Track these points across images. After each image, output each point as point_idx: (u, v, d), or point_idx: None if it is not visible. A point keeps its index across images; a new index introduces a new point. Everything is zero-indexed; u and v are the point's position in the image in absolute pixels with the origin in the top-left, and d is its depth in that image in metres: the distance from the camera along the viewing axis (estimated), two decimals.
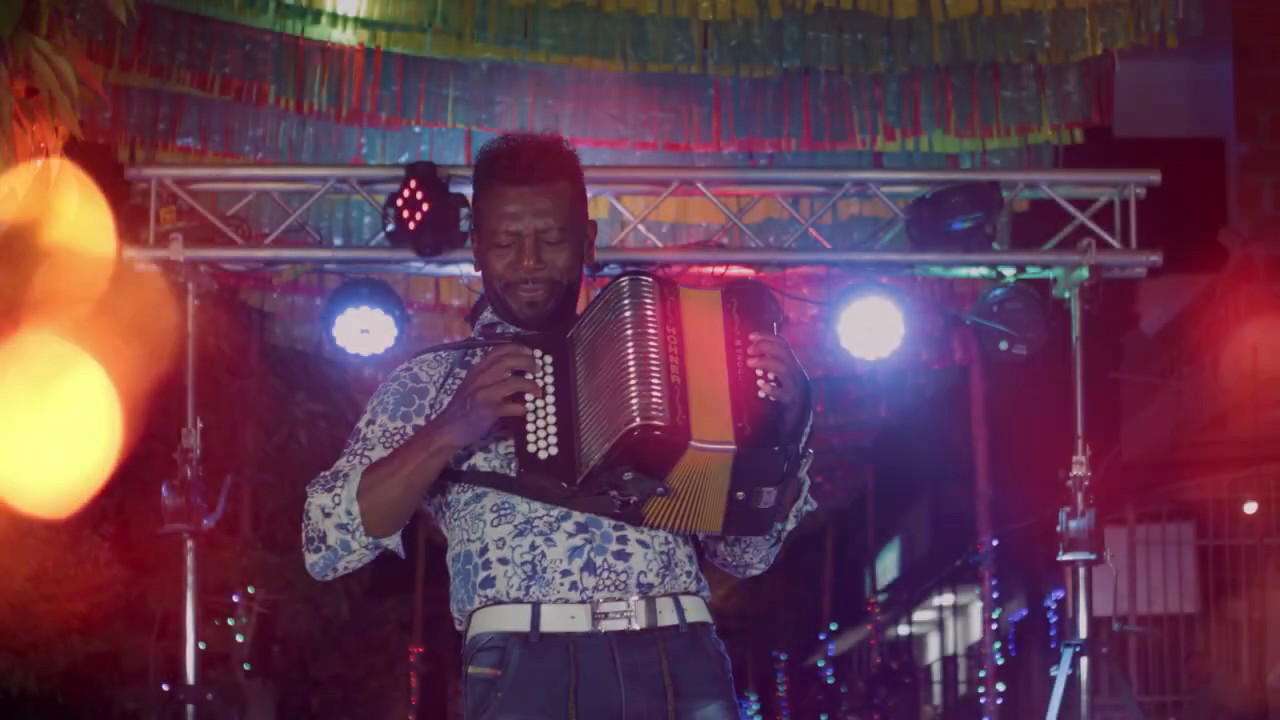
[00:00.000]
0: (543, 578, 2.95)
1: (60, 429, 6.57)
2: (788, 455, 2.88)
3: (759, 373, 2.87)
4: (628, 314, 2.87)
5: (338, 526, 2.96)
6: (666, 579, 3.00)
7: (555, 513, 2.96)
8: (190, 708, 6.67)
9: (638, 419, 2.79)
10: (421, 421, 3.02)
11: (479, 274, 3.12)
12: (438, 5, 6.94)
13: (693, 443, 2.81)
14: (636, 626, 2.97)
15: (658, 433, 2.79)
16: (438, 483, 3.01)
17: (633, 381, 2.81)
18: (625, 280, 2.91)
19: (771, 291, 3.02)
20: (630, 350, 2.84)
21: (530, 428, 2.90)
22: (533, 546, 2.96)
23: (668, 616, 3.00)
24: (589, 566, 2.95)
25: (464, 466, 3.00)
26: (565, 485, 2.90)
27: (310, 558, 3.01)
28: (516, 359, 2.90)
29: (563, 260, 3.03)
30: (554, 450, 2.89)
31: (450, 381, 3.05)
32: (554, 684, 2.95)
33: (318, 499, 2.97)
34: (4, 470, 6.72)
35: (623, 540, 2.97)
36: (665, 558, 3.00)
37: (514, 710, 2.95)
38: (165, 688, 7.01)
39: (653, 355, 2.84)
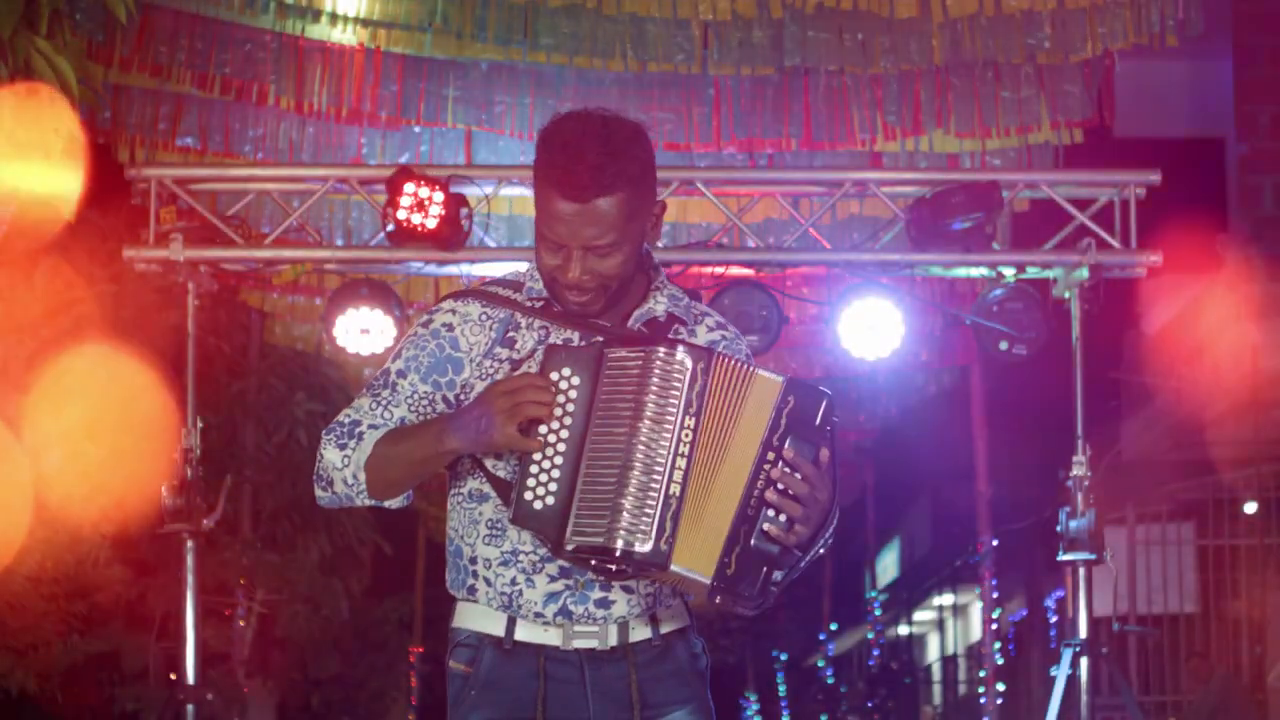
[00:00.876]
0: (519, 611, 2.98)
1: (120, 440, 6.59)
2: (766, 596, 2.87)
3: (774, 504, 2.84)
4: (654, 390, 2.84)
5: (344, 483, 2.99)
6: (647, 612, 3.02)
7: (542, 551, 2.96)
8: (190, 708, 6.67)
9: (620, 545, 2.80)
10: (451, 396, 3.01)
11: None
12: (438, 5, 6.95)
13: (672, 567, 2.82)
14: (607, 645, 2.99)
15: (637, 558, 2.81)
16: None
17: (632, 488, 2.81)
18: (661, 351, 2.86)
19: (831, 401, 2.89)
20: (641, 440, 2.82)
21: (534, 469, 2.87)
22: (513, 581, 2.97)
23: (640, 632, 3.02)
24: (564, 612, 2.97)
25: (478, 454, 3.00)
26: (549, 546, 2.90)
27: (319, 493, 3.04)
28: (541, 392, 2.86)
29: (612, 267, 2.94)
30: (549, 500, 2.87)
31: (488, 362, 3.01)
32: (523, 690, 2.99)
33: (330, 454, 2.98)
34: (64, 482, 6.72)
35: (606, 588, 2.98)
36: (650, 599, 3.02)
37: (484, 710, 2.99)
38: (165, 688, 7.00)
39: (660, 457, 2.82)
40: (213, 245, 6.97)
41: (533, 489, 2.87)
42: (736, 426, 2.85)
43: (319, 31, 7.19)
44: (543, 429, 2.87)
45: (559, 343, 2.97)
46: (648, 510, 2.81)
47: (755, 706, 29.88)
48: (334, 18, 7.14)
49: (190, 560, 6.73)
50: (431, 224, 6.74)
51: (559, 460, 2.87)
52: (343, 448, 2.97)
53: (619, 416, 2.85)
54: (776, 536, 2.84)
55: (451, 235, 6.84)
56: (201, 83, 7.12)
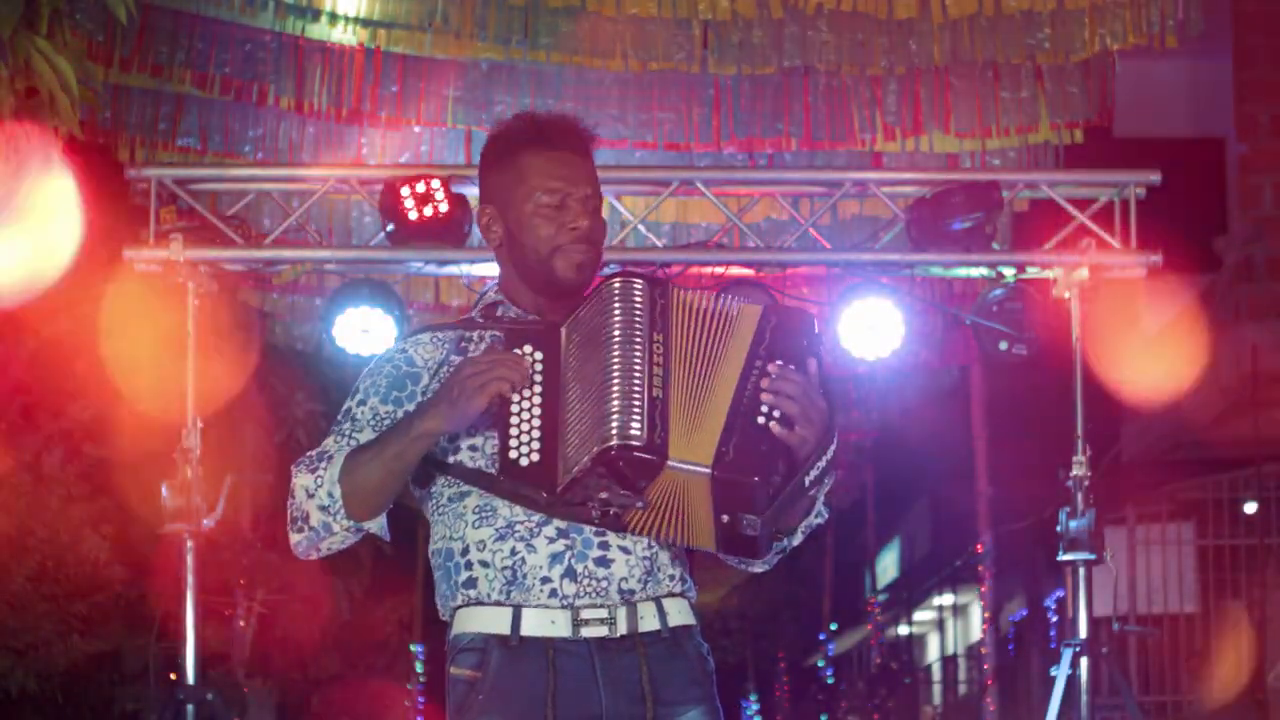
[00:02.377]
0: (523, 583, 2.95)
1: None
2: (773, 489, 2.84)
3: (767, 401, 2.84)
4: (616, 318, 2.86)
5: (320, 508, 2.96)
6: (649, 584, 3.00)
7: (536, 517, 2.95)
8: (190, 708, 6.67)
9: (615, 439, 2.78)
10: (411, 408, 3.01)
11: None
12: (438, 5, 6.95)
13: (669, 462, 2.80)
14: (617, 633, 2.97)
15: (635, 452, 2.79)
16: (425, 473, 3.00)
17: (615, 395, 2.80)
18: (616, 282, 2.90)
19: (814, 320, 2.97)
20: (615, 359, 2.83)
21: (513, 430, 2.89)
22: (513, 552, 2.96)
23: (649, 622, 3.00)
24: (569, 573, 2.95)
25: (450, 459, 3.00)
26: (544, 495, 2.89)
27: (294, 537, 3.02)
28: (509, 356, 2.89)
29: (601, 227, 3.06)
30: (535, 456, 2.88)
31: (445, 369, 3.03)
32: (533, 688, 2.95)
33: (301, 479, 2.98)
34: None
35: (604, 546, 2.96)
36: (648, 562, 2.99)
37: (494, 713, 2.96)
38: (165, 688, 7.00)
39: (636, 367, 2.82)
40: (213, 245, 6.97)
41: (515, 448, 2.88)
42: (717, 347, 2.88)
43: (319, 31, 7.18)
44: (514, 395, 2.88)
45: (513, 329, 3.00)
46: (635, 408, 2.79)
47: (755, 706, 29.87)
48: (334, 18, 7.14)
49: (190, 560, 6.72)
50: (441, 210, 6.73)
51: (536, 418, 2.89)
52: (313, 471, 2.97)
53: (588, 353, 2.88)
54: (778, 434, 2.83)
55: (452, 235, 6.84)
56: (201, 83, 7.12)
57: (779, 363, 2.86)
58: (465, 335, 3.07)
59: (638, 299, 2.87)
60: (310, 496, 2.96)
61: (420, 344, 3.09)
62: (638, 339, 2.84)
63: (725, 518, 2.84)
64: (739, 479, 2.80)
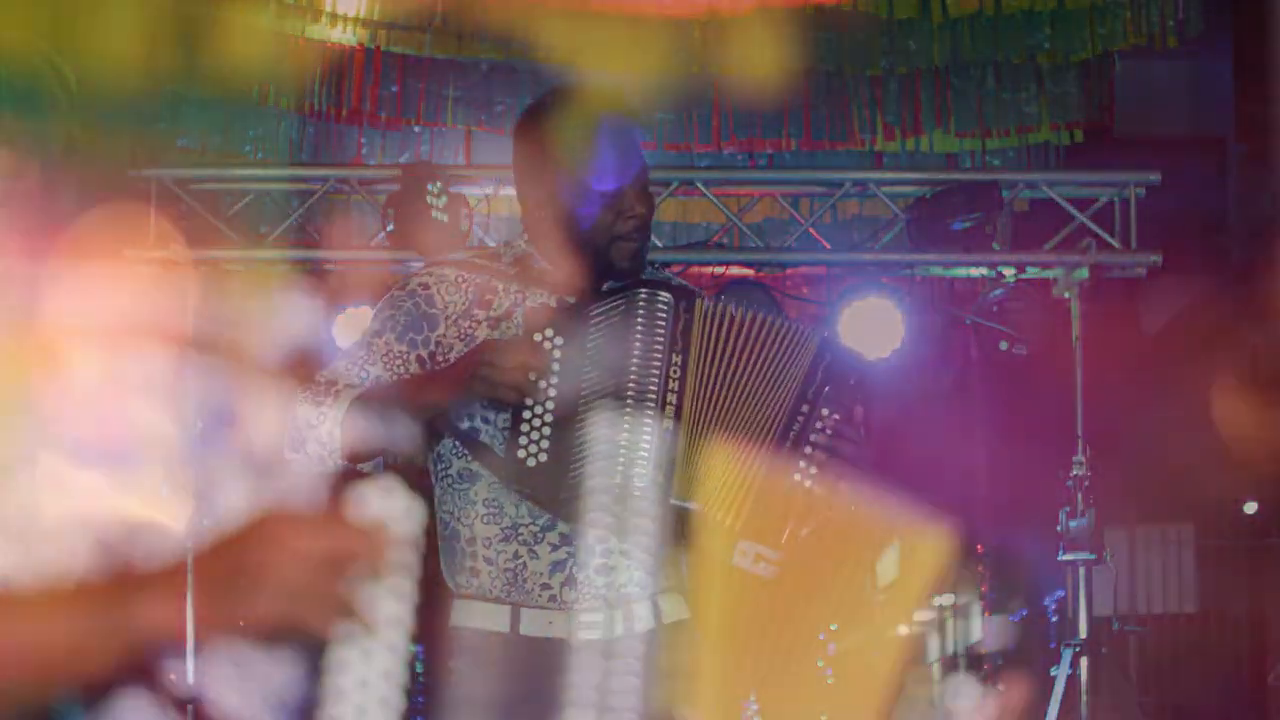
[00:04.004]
0: (523, 586, 2.96)
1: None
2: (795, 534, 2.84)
3: (815, 459, 2.81)
4: (638, 334, 2.85)
5: (317, 442, 2.94)
6: (647, 585, 3.00)
7: (541, 520, 2.95)
8: (190, 708, 6.67)
9: (618, 478, 2.79)
10: (425, 354, 2.99)
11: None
12: (438, 5, 6.95)
13: (673, 502, 2.81)
14: (614, 635, 2.99)
15: (638, 498, 2.79)
16: (433, 429, 3.00)
17: (625, 428, 2.80)
18: (642, 293, 2.88)
19: (860, 358, 2.95)
20: (630, 382, 2.83)
21: (524, 427, 2.88)
22: (516, 555, 2.96)
23: (645, 621, 3.02)
24: (570, 582, 2.96)
25: (463, 425, 2.98)
26: (546, 503, 2.88)
27: (289, 453, 2.98)
28: (527, 353, 2.87)
29: (653, 206, 3.06)
30: (543, 458, 2.87)
31: (465, 321, 3.00)
32: (529, 686, 2.97)
33: (305, 410, 2.94)
34: None
35: (606, 554, 2.97)
36: (649, 565, 3.00)
37: (490, 709, 2.98)
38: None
39: (649, 397, 2.81)
40: (213, 245, 6.97)
41: (525, 447, 2.88)
42: (750, 367, 2.85)
43: (319, 31, 7.19)
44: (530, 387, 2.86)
45: (538, 305, 2.97)
46: (643, 444, 2.79)
47: (755, 706, 29.84)
48: (334, 18, 7.15)
49: (190, 560, 6.72)
50: (443, 218, 6.73)
51: (548, 418, 2.87)
52: (318, 405, 2.93)
53: (605, 365, 2.86)
54: (814, 491, 2.82)
55: (452, 234, 6.83)
56: (202, 83, 7.12)
57: (833, 415, 2.82)
58: (490, 284, 3.02)
59: (660, 319, 2.84)
60: (312, 428, 2.94)
61: (445, 281, 3.04)
62: (655, 363, 2.83)
63: (740, 549, 2.84)
64: (757, 535, 2.80)
